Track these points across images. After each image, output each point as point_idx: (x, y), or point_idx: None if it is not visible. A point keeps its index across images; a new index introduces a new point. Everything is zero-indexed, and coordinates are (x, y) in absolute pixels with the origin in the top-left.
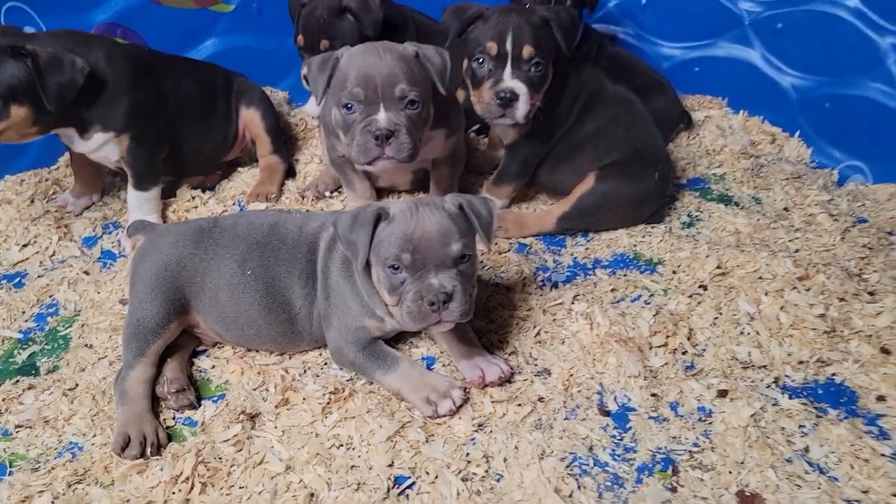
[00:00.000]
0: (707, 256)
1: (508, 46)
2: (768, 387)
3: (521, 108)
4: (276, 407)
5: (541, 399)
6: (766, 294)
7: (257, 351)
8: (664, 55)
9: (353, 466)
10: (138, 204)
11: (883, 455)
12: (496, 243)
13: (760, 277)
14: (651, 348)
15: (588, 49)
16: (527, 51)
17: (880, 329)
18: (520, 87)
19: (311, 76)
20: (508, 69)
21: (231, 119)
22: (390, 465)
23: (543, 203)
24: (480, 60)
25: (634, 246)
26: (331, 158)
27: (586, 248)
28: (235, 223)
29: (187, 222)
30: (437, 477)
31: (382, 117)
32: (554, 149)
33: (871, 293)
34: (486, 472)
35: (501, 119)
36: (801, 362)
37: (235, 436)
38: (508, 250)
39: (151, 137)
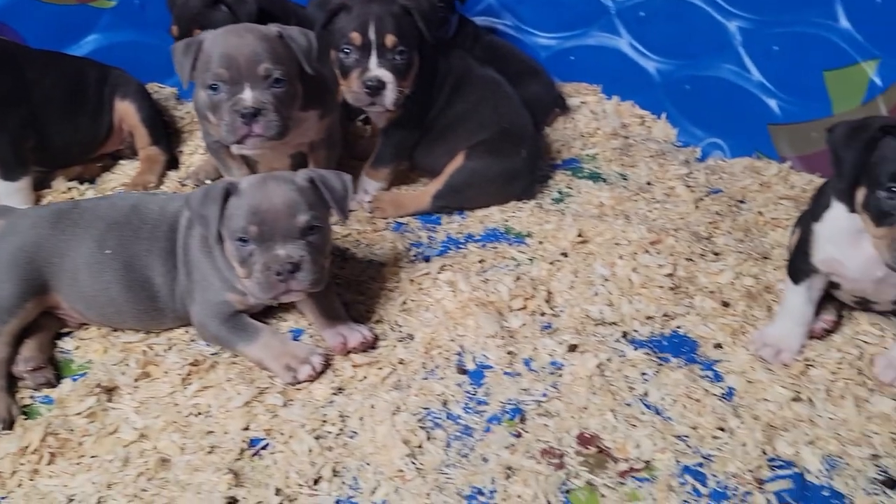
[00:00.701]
0: (570, 227)
1: (372, 36)
2: (617, 341)
3: (389, 96)
4: (135, 380)
5: (401, 361)
6: (620, 257)
7: (123, 331)
8: (542, 45)
9: (209, 432)
10: (7, 194)
11: (713, 395)
12: (374, 222)
13: (617, 243)
14: (511, 311)
15: (464, 39)
16: (390, 40)
17: (722, 285)
18: (386, 76)
19: (176, 60)
20: (374, 58)
21: (104, 112)
22: (246, 429)
23: (423, 185)
24: (347, 51)
25: (506, 221)
26: (207, 144)
27: (460, 225)
28: (96, 205)
29: (48, 205)
30: (290, 437)
31: (248, 96)
32: (427, 131)
33: (716, 253)
34: (341, 430)
35: (371, 107)
36: (648, 317)
37: (89, 408)
38: (385, 229)
39: (13, 126)
